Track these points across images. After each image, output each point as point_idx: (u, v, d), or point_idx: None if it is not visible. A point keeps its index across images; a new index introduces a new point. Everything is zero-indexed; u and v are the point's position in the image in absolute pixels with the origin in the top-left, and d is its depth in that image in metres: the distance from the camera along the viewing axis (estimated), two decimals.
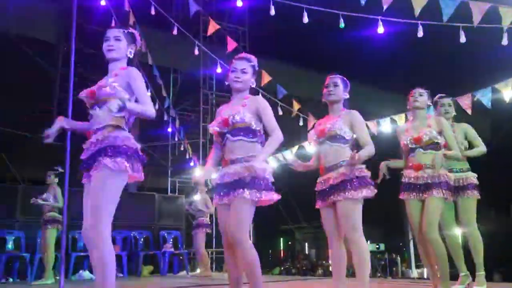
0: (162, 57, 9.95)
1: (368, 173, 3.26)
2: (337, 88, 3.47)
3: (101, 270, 2.47)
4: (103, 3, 6.65)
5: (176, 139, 10.78)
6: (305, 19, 5.69)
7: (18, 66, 9.53)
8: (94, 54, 7.24)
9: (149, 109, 2.71)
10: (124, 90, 2.70)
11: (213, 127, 3.12)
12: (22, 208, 7.83)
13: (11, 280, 7.40)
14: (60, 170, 6.91)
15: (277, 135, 2.98)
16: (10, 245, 7.59)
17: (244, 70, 3.12)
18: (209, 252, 9.98)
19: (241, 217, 2.87)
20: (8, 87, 9.02)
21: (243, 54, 3.24)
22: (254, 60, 3.19)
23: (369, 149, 3.26)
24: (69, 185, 4.94)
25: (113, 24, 6.92)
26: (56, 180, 6.87)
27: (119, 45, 2.83)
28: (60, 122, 2.90)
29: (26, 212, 7.78)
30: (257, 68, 3.24)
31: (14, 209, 7.92)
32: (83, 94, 2.84)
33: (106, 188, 2.57)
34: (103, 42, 2.85)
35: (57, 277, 6.91)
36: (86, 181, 2.74)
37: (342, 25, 5.68)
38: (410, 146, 3.86)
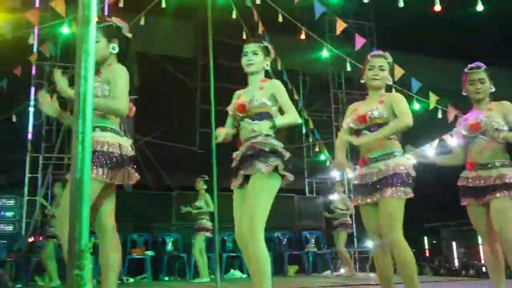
0: (290, 61, 10.18)
1: None
2: (484, 84, 3.29)
3: (257, 269, 2.61)
4: (234, 16, 7.04)
5: (310, 140, 10.93)
6: (437, 7, 5.42)
7: (163, 82, 10.52)
8: (229, 67, 7.69)
9: (296, 117, 2.88)
10: (269, 101, 2.89)
11: (349, 124, 3.15)
12: (176, 213, 8.60)
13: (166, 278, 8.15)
14: (207, 178, 7.49)
15: (406, 123, 2.88)
16: (169, 247, 8.39)
17: (382, 67, 3.07)
18: (352, 252, 9.93)
19: (394, 216, 2.82)
20: (156, 101, 9.97)
21: (379, 51, 3.18)
22: (390, 57, 3.14)
23: None
24: (216, 190, 5.38)
25: (244, 36, 7.31)
26: (205, 186, 7.44)
27: (257, 59, 2.99)
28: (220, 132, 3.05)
29: (180, 217, 8.51)
30: (392, 65, 3.19)
31: (170, 214, 8.70)
32: (231, 107, 3.05)
33: (262, 191, 2.73)
34: (242, 56, 3.03)
35: (212, 276, 7.51)
36: (237, 186, 2.91)
37: (479, 7, 5.31)
38: None
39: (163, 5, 6.13)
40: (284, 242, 9.13)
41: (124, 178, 2.62)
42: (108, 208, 2.66)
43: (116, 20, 2.77)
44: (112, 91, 2.56)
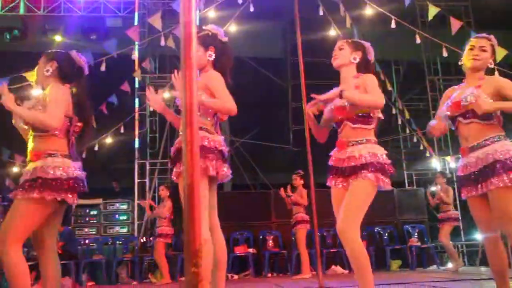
0: (381, 51, 9.92)
1: None
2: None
3: (356, 265, 2.62)
4: (321, 13, 7.03)
5: (408, 131, 10.56)
6: None
7: (255, 83, 10.75)
8: (320, 63, 7.67)
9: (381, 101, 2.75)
10: None
11: (444, 112, 3.01)
12: (276, 211, 8.74)
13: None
14: (302, 173, 7.56)
15: None
16: (270, 244, 8.57)
17: (483, 48, 2.90)
18: (459, 245, 9.44)
19: (505, 207, 2.66)
20: (249, 103, 10.23)
21: (483, 34, 2.99)
22: (494, 40, 2.95)
23: None
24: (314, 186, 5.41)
25: (332, 31, 7.26)
26: (300, 181, 7.50)
27: (342, 53, 2.97)
28: None
29: (279, 215, 8.65)
30: (496, 47, 2.99)
31: (269, 212, 8.89)
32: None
33: (362, 197, 2.70)
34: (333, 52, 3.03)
35: (314, 272, 7.55)
36: (335, 184, 2.87)
37: None
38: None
39: (251, 9, 6.29)
40: (385, 237, 8.91)
41: (221, 171, 2.73)
42: (212, 206, 2.82)
43: (211, 28, 2.90)
44: (217, 95, 2.69)
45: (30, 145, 2.74)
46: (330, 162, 2.89)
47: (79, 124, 2.82)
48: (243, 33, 7.30)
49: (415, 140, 10.19)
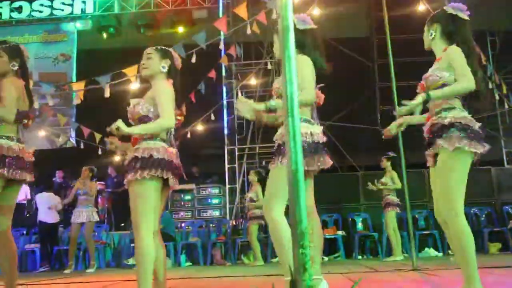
0: (475, 21, 9.33)
1: None
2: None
3: (459, 245, 2.55)
4: None
5: (506, 106, 9.89)
6: None
7: (340, 64, 10.58)
8: (406, 40, 7.41)
9: (468, 85, 2.62)
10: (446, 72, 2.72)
11: None
12: (364, 193, 8.65)
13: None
14: (391, 154, 7.40)
15: None
16: (359, 226, 8.52)
17: None
18: None
19: None
20: (335, 84, 10.14)
21: None
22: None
23: None
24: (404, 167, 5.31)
25: (420, 6, 6.96)
26: (388, 164, 7.36)
27: (429, 33, 2.86)
28: (399, 120, 3.05)
29: (368, 197, 8.56)
30: None
31: (357, 194, 8.82)
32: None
33: (450, 169, 2.63)
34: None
35: (406, 254, 7.41)
36: (430, 165, 2.81)
37: None
38: None
39: None
40: (482, 218, 8.49)
41: (319, 164, 2.79)
42: (308, 192, 2.89)
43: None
44: (300, 83, 2.68)
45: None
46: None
47: (179, 113, 2.91)
48: (326, 15, 7.23)
49: None
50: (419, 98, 2.62)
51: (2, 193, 3.02)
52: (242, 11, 5.86)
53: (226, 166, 9.27)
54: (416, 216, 8.39)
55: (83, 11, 10.63)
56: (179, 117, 2.87)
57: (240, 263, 8.18)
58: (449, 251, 8.03)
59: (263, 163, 9.83)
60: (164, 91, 2.78)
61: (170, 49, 3.01)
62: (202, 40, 5.79)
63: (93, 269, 7.65)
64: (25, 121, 3.14)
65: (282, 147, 2.78)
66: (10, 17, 10.62)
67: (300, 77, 2.71)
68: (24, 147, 3.14)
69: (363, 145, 10.52)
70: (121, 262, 8.52)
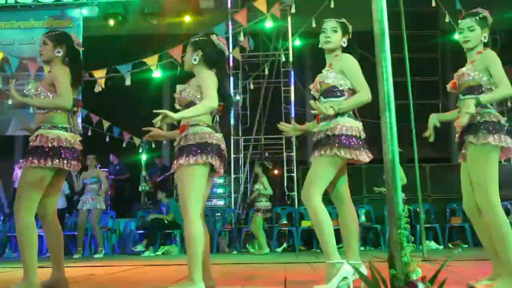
0: None
1: None
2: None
3: (499, 234, 2.67)
4: None
5: (509, 104, 10.10)
6: None
7: None
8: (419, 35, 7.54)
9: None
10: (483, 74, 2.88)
11: None
12: (367, 185, 8.82)
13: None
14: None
15: None
16: (362, 218, 8.70)
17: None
18: None
19: None
20: None
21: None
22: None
23: None
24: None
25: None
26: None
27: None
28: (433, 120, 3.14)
29: (370, 189, 8.71)
30: None
31: (361, 187, 9.00)
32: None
33: (480, 164, 2.76)
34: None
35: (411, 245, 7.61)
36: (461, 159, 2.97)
37: None
38: None
39: None
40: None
41: (368, 155, 2.96)
42: (345, 180, 3.06)
43: (344, 20, 3.16)
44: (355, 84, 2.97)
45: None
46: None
47: (222, 103, 3.00)
48: (344, 10, 7.28)
49: None
50: (471, 106, 2.74)
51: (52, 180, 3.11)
52: (261, 5, 5.98)
53: (232, 156, 9.39)
54: (417, 209, 8.58)
55: None
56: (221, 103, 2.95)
57: (245, 251, 8.34)
58: (449, 244, 8.28)
59: (266, 154, 9.97)
60: (209, 78, 2.90)
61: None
62: (221, 31, 5.87)
63: (101, 254, 7.78)
64: (75, 109, 3.20)
65: (328, 138, 2.92)
66: (16, 1, 10.55)
67: (354, 77, 2.98)
68: (76, 137, 3.18)
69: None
70: (126, 249, 8.65)
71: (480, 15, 2.99)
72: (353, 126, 2.94)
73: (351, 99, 2.96)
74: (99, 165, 8.70)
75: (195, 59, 2.98)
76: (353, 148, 2.89)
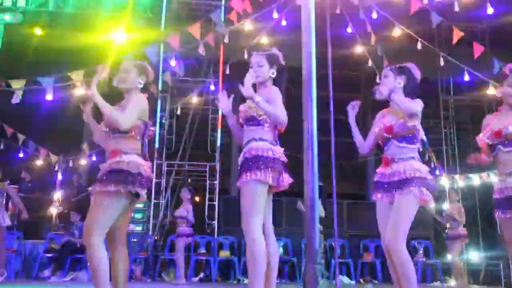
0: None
1: None
2: None
3: (406, 275, 2.81)
4: (349, 30, 7.28)
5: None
6: None
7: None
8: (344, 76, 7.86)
9: None
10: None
11: (483, 139, 3.23)
12: (286, 218, 8.91)
13: None
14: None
15: None
16: (280, 250, 8.75)
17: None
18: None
19: None
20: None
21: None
22: None
23: None
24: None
25: (360, 48, 7.50)
26: None
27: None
28: None
29: (290, 222, 8.84)
30: None
31: (281, 219, 9.07)
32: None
33: (409, 211, 2.91)
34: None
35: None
36: (380, 198, 3.03)
37: None
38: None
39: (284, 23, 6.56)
40: None
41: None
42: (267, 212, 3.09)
43: (275, 50, 3.18)
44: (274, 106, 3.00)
45: (110, 145, 2.98)
46: (376, 178, 3.09)
47: (153, 128, 3.05)
48: (275, 45, 7.50)
49: (426, 158, 10.39)
50: None
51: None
52: (195, 30, 6.00)
53: (154, 180, 9.14)
54: (333, 244, 8.80)
55: (14, 3, 10.11)
56: (152, 128, 3.03)
57: (160, 280, 8.06)
58: (361, 280, 8.54)
59: (189, 180, 9.82)
60: (137, 101, 3.04)
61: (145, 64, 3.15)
62: (153, 53, 5.77)
63: (2, 277, 7.14)
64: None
65: (250, 162, 2.91)
66: None
67: (273, 102, 3.03)
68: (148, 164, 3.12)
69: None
70: (32, 273, 8.05)
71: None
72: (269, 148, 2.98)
73: (271, 106, 2.98)
74: (8, 181, 8.10)
75: (139, 83, 3.10)
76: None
